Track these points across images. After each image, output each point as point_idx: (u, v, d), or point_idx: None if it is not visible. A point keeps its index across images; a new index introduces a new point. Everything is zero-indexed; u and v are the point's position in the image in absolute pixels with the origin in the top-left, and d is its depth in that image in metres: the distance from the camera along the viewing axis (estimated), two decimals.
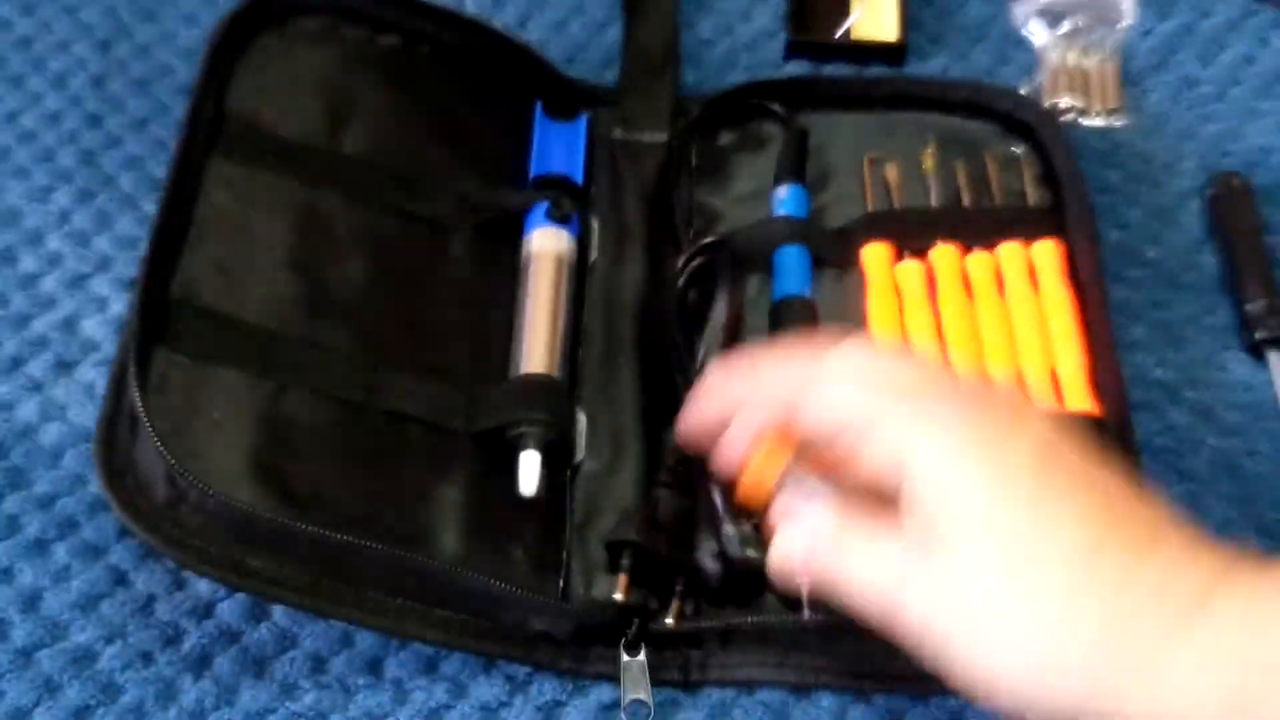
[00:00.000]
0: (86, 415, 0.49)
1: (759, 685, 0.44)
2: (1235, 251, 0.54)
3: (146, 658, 0.44)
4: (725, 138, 0.57)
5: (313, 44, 0.54)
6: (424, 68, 0.56)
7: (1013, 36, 0.62)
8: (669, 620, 0.44)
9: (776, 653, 0.44)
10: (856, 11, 0.61)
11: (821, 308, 0.51)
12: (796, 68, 0.62)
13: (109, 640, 0.44)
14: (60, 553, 0.46)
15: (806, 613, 0.40)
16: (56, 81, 0.59)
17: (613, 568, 0.45)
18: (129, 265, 0.53)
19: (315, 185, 0.51)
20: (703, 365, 0.48)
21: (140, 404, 0.43)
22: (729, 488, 0.41)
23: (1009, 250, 0.52)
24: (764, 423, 0.39)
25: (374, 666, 0.45)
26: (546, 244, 0.52)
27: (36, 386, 0.50)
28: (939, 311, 0.51)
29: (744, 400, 0.39)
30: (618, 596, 0.44)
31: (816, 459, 0.38)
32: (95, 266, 0.53)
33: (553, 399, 0.48)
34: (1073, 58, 0.60)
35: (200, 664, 0.44)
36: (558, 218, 0.52)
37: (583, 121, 0.57)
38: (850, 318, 0.51)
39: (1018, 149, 0.56)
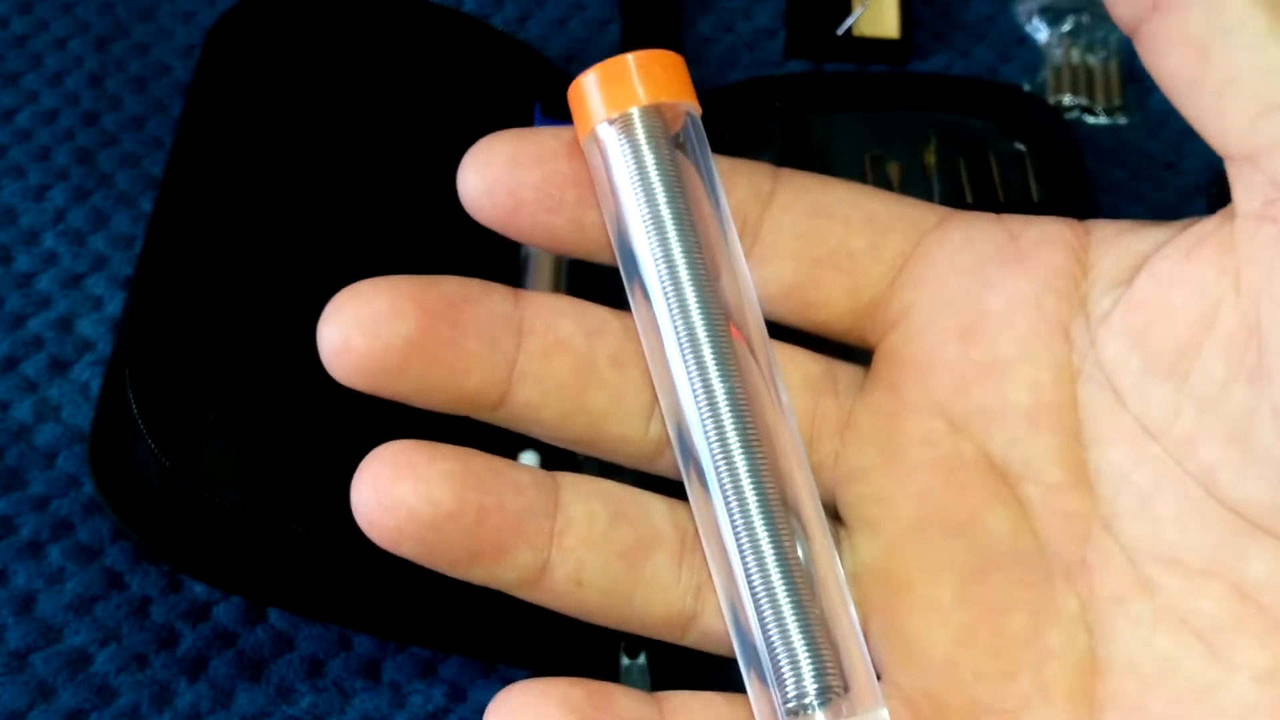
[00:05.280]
0: (81, 416, 0.49)
1: None
2: None
3: (141, 661, 0.44)
4: (725, 136, 0.57)
5: (309, 42, 0.54)
6: (422, 66, 0.56)
7: (1015, 34, 0.62)
8: None
9: None
10: (858, 9, 0.61)
11: None
12: (797, 65, 0.61)
13: (103, 643, 0.44)
14: (54, 555, 0.46)
15: None
16: (53, 79, 0.59)
17: None
18: (125, 264, 0.53)
19: (312, 184, 0.51)
20: None
21: (134, 405, 0.42)
22: None
23: None
24: None
25: (371, 669, 0.44)
26: None
27: (31, 387, 0.50)
28: None
29: None
30: None
31: None
32: (91, 265, 0.53)
33: None
34: (1076, 55, 0.60)
35: (196, 667, 0.44)
36: None
37: None
38: None
39: (1021, 146, 0.56)
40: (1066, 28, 0.61)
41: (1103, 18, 0.60)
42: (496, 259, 0.52)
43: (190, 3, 0.62)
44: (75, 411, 0.49)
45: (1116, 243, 0.24)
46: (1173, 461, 0.23)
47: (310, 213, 0.50)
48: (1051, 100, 0.59)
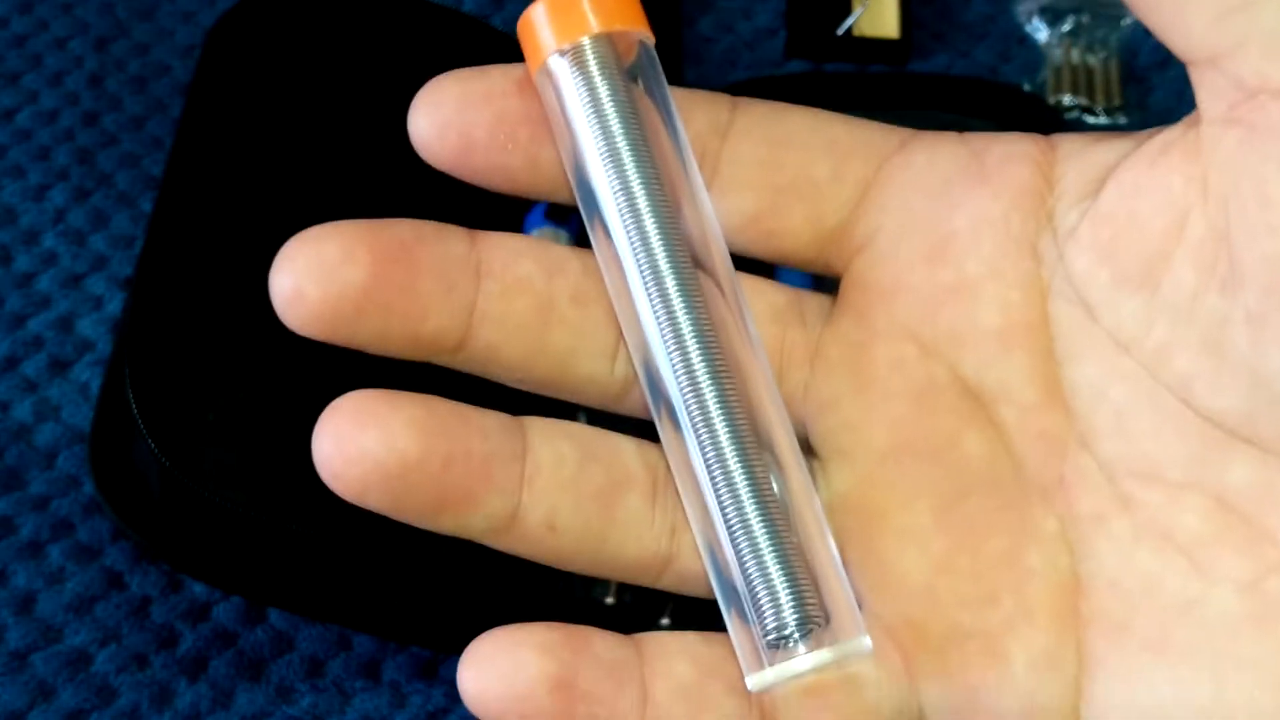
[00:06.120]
0: (81, 416, 0.49)
1: None
2: None
3: (141, 661, 0.44)
4: None
5: (309, 42, 0.54)
6: (422, 66, 0.56)
7: (1015, 34, 0.62)
8: (665, 621, 0.44)
9: None
10: (858, 9, 0.61)
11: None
12: (797, 65, 0.61)
13: (103, 643, 0.44)
14: (54, 555, 0.46)
15: None
16: (53, 79, 0.59)
17: None
18: (125, 264, 0.53)
19: (312, 184, 0.51)
20: None
21: (134, 405, 0.42)
22: None
23: None
24: None
25: (371, 669, 0.44)
26: None
27: (31, 387, 0.50)
28: None
29: None
30: (609, 600, 0.44)
31: None
32: (91, 265, 0.53)
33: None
34: (1076, 55, 0.60)
35: (196, 667, 0.44)
36: (557, 217, 0.52)
37: None
38: None
39: None
40: (1066, 28, 0.61)
41: (1103, 18, 0.60)
42: None
43: (190, 3, 0.62)
44: (75, 411, 0.49)
45: (1082, 155, 0.24)
46: (1147, 374, 0.22)
47: (310, 213, 0.50)
48: (1051, 100, 0.59)
